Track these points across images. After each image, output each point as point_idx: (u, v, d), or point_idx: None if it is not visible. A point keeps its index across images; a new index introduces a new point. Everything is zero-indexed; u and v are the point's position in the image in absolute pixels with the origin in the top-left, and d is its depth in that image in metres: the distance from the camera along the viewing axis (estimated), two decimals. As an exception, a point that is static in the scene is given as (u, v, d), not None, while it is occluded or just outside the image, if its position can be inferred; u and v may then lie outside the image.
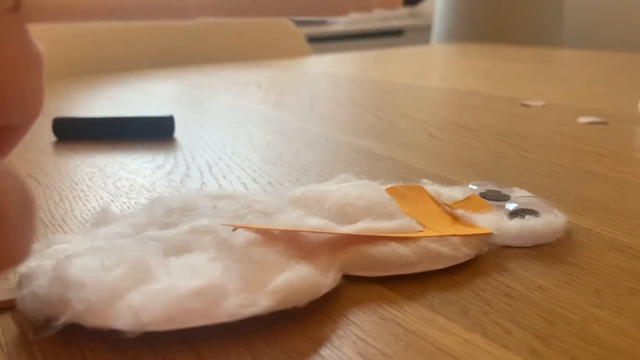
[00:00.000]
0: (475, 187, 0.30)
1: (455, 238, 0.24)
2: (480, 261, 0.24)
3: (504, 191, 0.30)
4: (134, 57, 0.97)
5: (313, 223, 0.23)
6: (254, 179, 0.36)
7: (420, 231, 0.24)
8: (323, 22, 2.54)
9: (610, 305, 0.21)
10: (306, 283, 0.20)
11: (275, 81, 0.79)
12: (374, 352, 0.18)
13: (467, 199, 0.28)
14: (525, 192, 0.30)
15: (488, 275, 0.23)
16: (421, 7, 2.63)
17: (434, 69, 0.97)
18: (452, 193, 0.29)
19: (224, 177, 0.36)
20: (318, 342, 0.19)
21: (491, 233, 0.25)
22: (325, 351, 0.18)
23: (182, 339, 0.18)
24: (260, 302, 0.18)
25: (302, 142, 0.45)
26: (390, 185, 0.28)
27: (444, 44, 1.50)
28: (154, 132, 0.47)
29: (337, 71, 0.92)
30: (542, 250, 0.25)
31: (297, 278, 0.20)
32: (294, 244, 0.22)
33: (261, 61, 0.98)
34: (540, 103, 0.59)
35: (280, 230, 0.22)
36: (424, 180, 0.30)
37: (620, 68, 0.88)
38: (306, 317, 0.20)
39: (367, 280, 0.22)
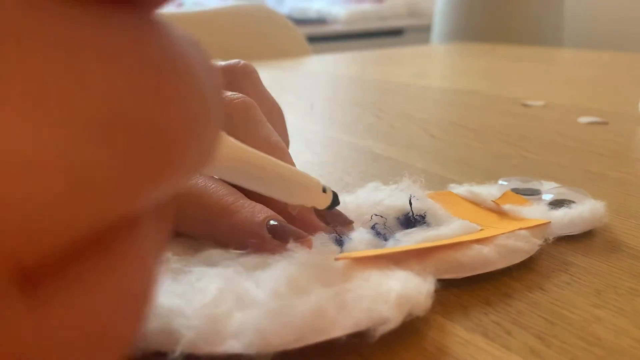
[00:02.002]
0: (505, 183, 0.31)
1: (523, 231, 0.24)
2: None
3: (532, 185, 0.30)
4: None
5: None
6: (254, 179, 0.36)
7: (481, 230, 0.24)
8: (323, 22, 2.54)
9: (611, 305, 0.21)
10: (422, 292, 0.19)
11: (275, 81, 0.78)
12: (374, 352, 0.18)
13: (504, 195, 0.28)
14: (552, 184, 0.31)
15: (488, 275, 0.23)
16: (421, 7, 2.63)
17: (434, 69, 0.97)
18: (486, 191, 0.29)
19: (224, 177, 0.36)
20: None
21: (549, 222, 0.25)
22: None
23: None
24: (388, 315, 0.18)
25: (302, 142, 0.45)
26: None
27: (444, 44, 1.50)
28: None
29: (337, 71, 0.92)
30: (542, 249, 0.25)
31: (411, 288, 0.19)
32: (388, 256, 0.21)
33: (261, 61, 0.98)
34: (540, 103, 0.59)
35: (380, 255, 0.21)
36: (452, 185, 0.30)
37: (620, 68, 0.88)
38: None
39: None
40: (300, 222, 0.23)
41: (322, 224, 0.24)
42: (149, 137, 0.08)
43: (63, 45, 0.07)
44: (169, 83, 0.08)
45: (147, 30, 0.08)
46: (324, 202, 0.22)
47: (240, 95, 0.26)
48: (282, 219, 0.23)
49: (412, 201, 0.25)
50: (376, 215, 0.25)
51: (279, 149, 0.25)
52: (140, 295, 0.09)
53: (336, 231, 0.24)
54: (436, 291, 0.20)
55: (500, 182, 0.31)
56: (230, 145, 0.17)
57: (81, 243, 0.08)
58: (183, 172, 0.09)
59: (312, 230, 0.23)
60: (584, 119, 0.51)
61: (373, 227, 0.25)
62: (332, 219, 0.24)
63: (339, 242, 0.23)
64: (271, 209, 0.23)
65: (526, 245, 0.23)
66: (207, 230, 0.23)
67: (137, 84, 0.08)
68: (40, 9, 0.07)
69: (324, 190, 0.22)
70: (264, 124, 0.26)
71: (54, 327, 0.08)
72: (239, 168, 0.18)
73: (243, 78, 0.28)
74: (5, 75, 0.06)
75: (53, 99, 0.07)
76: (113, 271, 0.09)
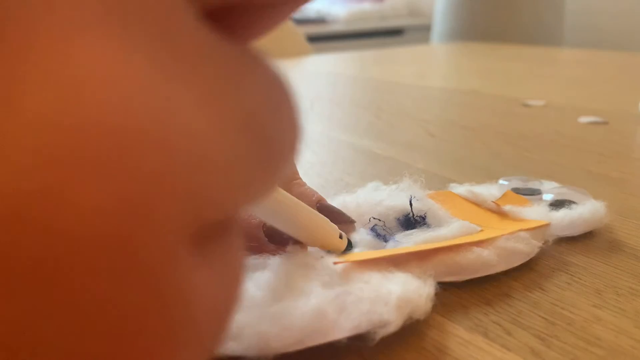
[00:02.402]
0: (505, 183, 0.31)
1: (523, 233, 0.24)
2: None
3: (533, 185, 0.30)
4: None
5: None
6: (254, 179, 0.36)
7: (481, 231, 0.24)
8: (323, 22, 2.54)
9: (612, 305, 0.21)
10: (422, 295, 0.19)
11: (275, 81, 0.78)
12: (373, 352, 0.18)
13: (504, 195, 0.28)
14: (553, 184, 0.30)
15: (488, 275, 0.23)
16: (421, 7, 2.63)
17: (434, 69, 0.97)
18: (486, 191, 0.29)
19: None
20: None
21: (549, 224, 0.25)
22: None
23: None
24: (388, 318, 0.18)
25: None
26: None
27: (444, 44, 1.50)
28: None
29: (337, 71, 0.92)
30: (542, 250, 0.25)
31: (411, 291, 0.19)
32: (387, 259, 0.22)
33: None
34: (540, 103, 0.59)
35: (380, 257, 0.22)
36: (452, 184, 0.30)
37: (620, 68, 0.88)
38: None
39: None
40: None
41: None
42: (268, 140, 0.10)
43: (225, 67, 0.10)
44: (283, 102, 0.11)
45: (265, 63, 0.11)
46: (339, 248, 0.22)
47: None
48: None
49: (412, 202, 0.25)
50: (374, 218, 0.25)
51: None
52: (236, 289, 0.11)
53: None
54: (436, 291, 0.20)
55: (500, 182, 0.31)
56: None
57: (223, 220, 0.10)
58: (275, 182, 0.11)
59: None
60: (584, 119, 0.51)
61: (373, 229, 0.25)
62: (334, 219, 0.24)
63: None
64: None
65: (526, 248, 0.23)
66: None
67: (264, 99, 0.10)
68: (217, 46, 0.09)
69: (340, 237, 0.22)
70: None
71: (202, 288, 0.09)
72: (272, 206, 0.19)
73: None
74: (198, 85, 0.09)
75: (218, 101, 0.09)
76: (229, 252, 0.10)
